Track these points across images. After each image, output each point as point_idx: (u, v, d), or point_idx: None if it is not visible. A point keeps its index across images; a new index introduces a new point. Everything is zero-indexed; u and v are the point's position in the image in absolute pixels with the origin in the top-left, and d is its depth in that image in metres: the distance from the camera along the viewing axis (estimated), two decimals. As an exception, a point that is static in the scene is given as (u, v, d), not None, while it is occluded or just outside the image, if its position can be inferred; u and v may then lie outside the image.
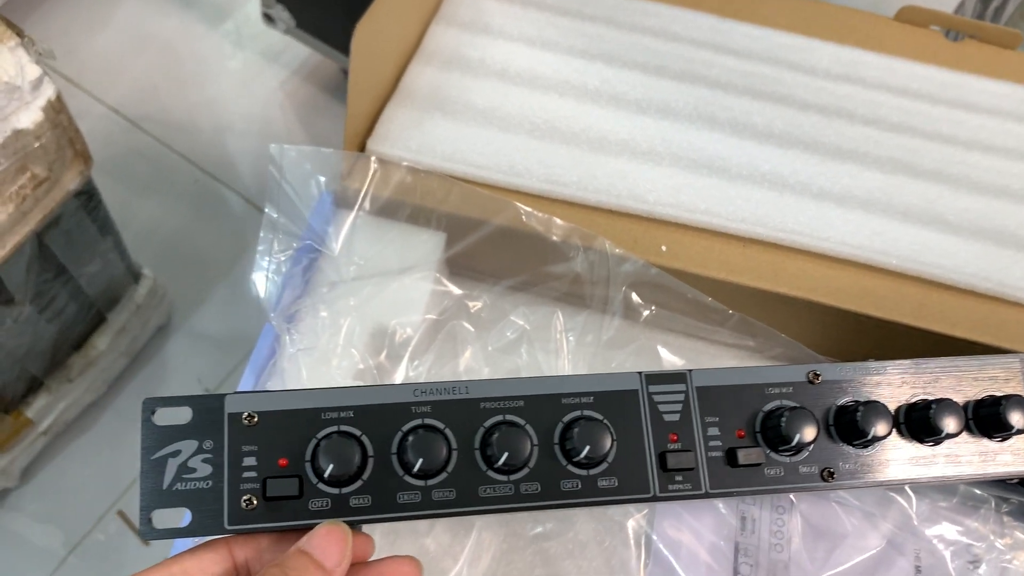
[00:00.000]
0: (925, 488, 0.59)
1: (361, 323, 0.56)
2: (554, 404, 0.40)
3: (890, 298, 0.59)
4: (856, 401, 0.41)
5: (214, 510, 0.37)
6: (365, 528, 0.40)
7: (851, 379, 0.42)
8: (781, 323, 0.59)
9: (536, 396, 0.40)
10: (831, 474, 0.40)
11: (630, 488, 0.39)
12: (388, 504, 0.38)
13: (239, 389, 0.53)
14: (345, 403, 0.38)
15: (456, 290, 0.60)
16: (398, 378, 0.56)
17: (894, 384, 0.43)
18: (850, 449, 0.41)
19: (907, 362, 0.43)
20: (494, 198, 0.58)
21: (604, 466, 0.39)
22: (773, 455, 0.40)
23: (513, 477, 0.38)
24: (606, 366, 0.60)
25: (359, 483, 0.38)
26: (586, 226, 0.59)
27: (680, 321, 0.59)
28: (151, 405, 0.38)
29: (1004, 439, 0.45)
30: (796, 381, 0.42)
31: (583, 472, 0.39)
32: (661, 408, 0.40)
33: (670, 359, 0.59)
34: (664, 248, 0.59)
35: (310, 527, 0.37)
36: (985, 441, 0.45)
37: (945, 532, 0.58)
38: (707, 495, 0.40)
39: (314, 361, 0.52)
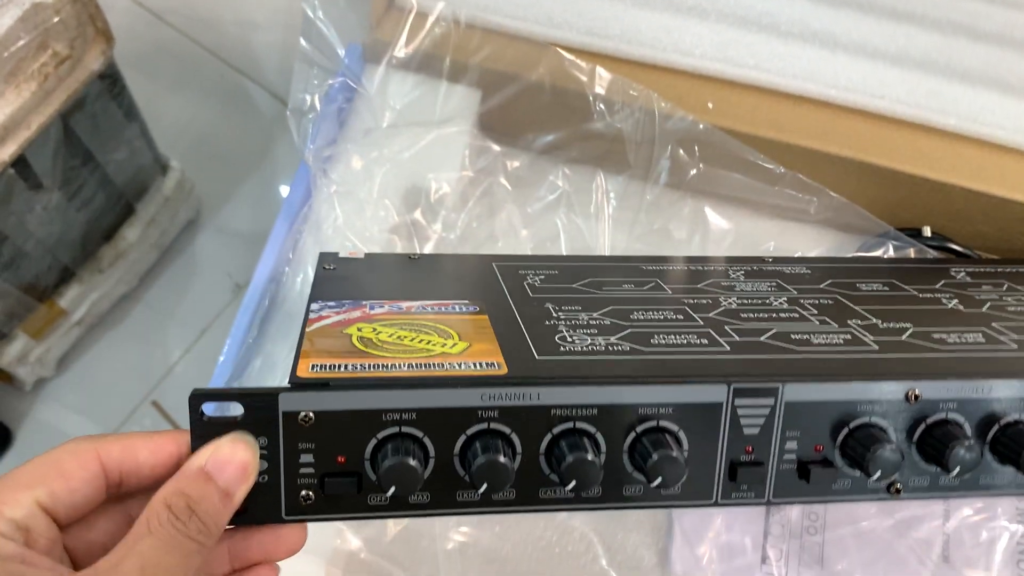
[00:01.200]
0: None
1: (396, 175, 0.54)
2: (630, 414, 0.37)
3: (947, 159, 0.56)
4: (948, 419, 0.38)
5: (271, 503, 0.35)
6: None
7: (950, 398, 0.38)
8: (832, 186, 0.57)
9: (611, 406, 0.36)
10: (898, 490, 0.39)
11: (692, 495, 0.38)
12: (446, 501, 0.36)
13: (271, 239, 0.52)
14: (408, 405, 0.35)
15: (495, 147, 0.57)
16: (433, 236, 0.54)
17: (997, 405, 0.39)
18: (932, 468, 0.39)
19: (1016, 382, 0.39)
20: (533, 46, 0.55)
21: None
22: (846, 469, 0.38)
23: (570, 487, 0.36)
24: (648, 229, 0.58)
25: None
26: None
27: (727, 182, 0.57)
28: (200, 400, 0.34)
29: None
30: (892, 399, 0.38)
31: (642, 479, 0.37)
32: (743, 421, 0.37)
33: (717, 223, 0.57)
34: (711, 105, 0.57)
35: (368, 519, 0.36)
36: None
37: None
38: (768, 503, 0.38)
39: (350, 209, 0.51)
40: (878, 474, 0.36)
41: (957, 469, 0.37)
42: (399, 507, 0.36)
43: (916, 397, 0.38)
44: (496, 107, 0.57)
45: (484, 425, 0.36)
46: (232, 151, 1.40)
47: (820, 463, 0.38)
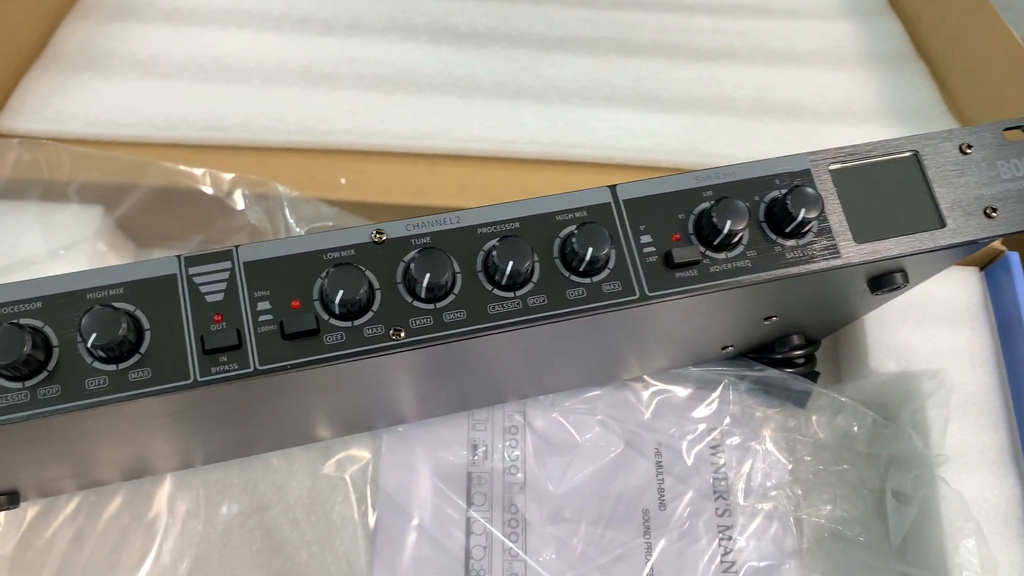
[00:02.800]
0: (655, 377, 0.57)
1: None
2: (78, 300, 0.35)
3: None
4: (418, 254, 0.37)
5: None
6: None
7: (421, 232, 0.38)
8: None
9: (56, 295, 0.35)
10: (398, 332, 0.37)
11: (166, 377, 0.35)
12: None
13: None
14: None
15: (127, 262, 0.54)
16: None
17: (467, 232, 0.38)
18: (421, 304, 0.37)
19: (488, 207, 0.39)
20: (128, 160, 0.52)
21: (136, 358, 0.35)
22: (332, 321, 0.36)
23: (29, 383, 0.34)
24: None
25: None
26: (255, 171, 0.54)
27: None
28: None
29: (590, 274, 0.38)
30: (359, 243, 0.37)
31: (111, 367, 0.35)
32: (203, 289, 0.36)
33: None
34: (343, 181, 0.55)
35: None
36: (575, 277, 0.38)
37: (681, 422, 0.56)
38: (256, 372, 0.35)
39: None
40: (340, 298, 0.35)
41: (428, 284, 0.36)
42: None
43: (380, 234, 0.38)
44: (126, 217, 0.55)
45: None
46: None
47: (297, 316, 0.36)
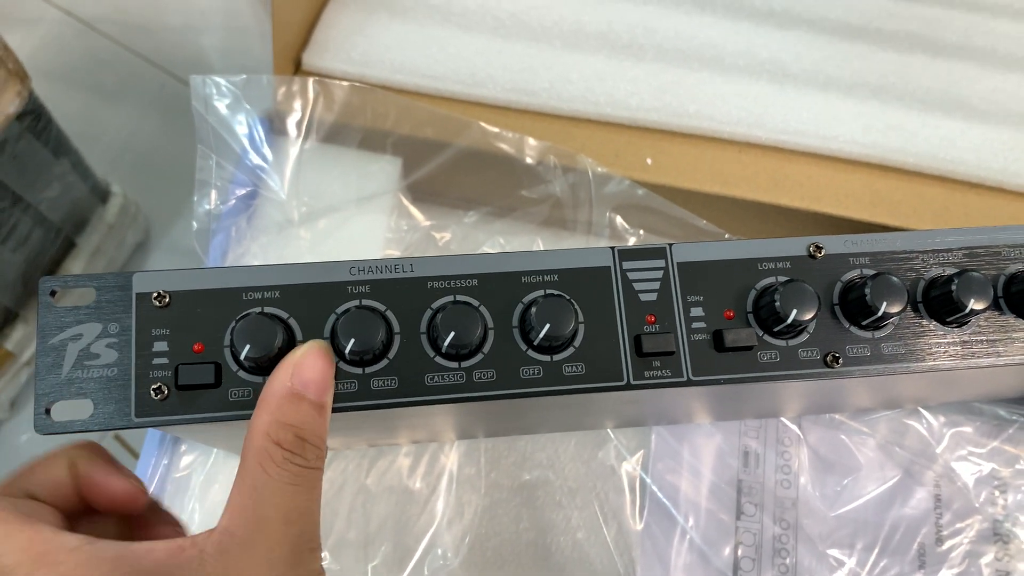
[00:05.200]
0: (945, 408, 0.54)
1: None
2: (513, 283, 0.34)
3: (907, 203, 0.52)
4: (864, 275, 0.35)
5: (120, 401, 0.32)
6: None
7: (860, 252, 0.36)
8: (785, 238, 0.53)
9: (492, 274, 0.34)
10: (835, 359, 0.34)
11: (599, 375, 0.34)
12: None
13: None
14: (271, 282, 0.33)
15: (423, 221, 0.53)
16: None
17: (912, 257, 0.36)
18: (858, 331, 0.34)
19: (928, 232, 0.36)
20: (455, 118, 0.50)
21: (570, 351, 0.34)
22: (767, 338, 0.34)
23: (465, 364, 0.33)
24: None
25: None
26: (561, 140, 0.52)
27: (671, 243, 0.53)
28: (50, 285, 0.32)
29: None
30: (794, 255, 0.35)
31: (546, 358, 0.34)
32: (637, 287, 0.35)
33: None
34: (649, 161, 0.52)
35: (228, 419, 0.32)
36: (1019, 321, 0.36)
37: (968, 457, 0.53)
38: (690, 382, 0.34)
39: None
40: (792, 316, 0.33)
41: (882, 312, 0.33)
42: None
43: (819, 250, 0.35)
44: (422, 177, 0.53)
45: (355, 302, 0.33)
46: (177, 165, 1.34)
47: (734, 329, 0.34)
